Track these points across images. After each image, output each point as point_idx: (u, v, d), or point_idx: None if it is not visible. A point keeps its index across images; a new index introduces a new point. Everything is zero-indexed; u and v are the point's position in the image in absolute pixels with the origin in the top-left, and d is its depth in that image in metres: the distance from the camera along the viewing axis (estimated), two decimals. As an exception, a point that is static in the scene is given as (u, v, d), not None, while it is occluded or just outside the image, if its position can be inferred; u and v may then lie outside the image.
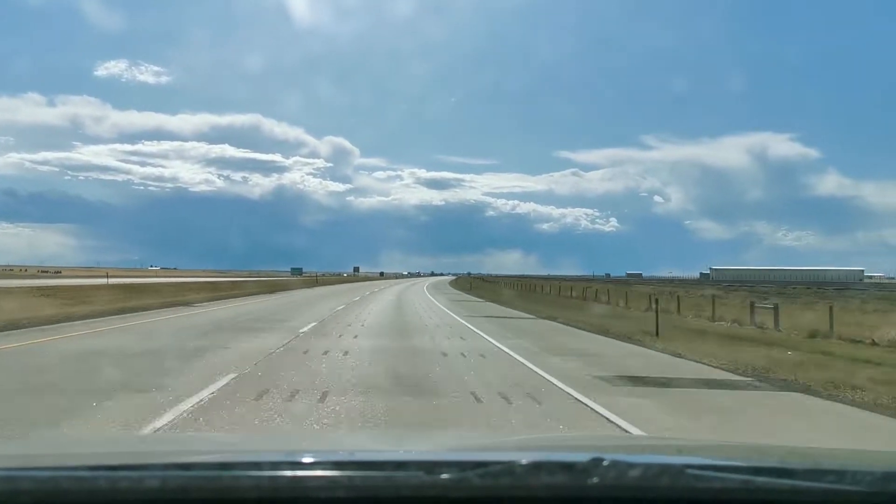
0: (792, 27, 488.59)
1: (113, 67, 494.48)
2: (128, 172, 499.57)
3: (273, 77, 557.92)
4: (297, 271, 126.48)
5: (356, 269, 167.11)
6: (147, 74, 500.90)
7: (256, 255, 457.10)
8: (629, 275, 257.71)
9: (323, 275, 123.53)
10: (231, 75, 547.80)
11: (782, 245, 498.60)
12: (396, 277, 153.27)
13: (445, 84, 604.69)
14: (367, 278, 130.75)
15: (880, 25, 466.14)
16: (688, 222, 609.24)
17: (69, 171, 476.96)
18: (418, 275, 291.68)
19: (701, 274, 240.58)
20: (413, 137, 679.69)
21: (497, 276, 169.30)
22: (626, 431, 6.63)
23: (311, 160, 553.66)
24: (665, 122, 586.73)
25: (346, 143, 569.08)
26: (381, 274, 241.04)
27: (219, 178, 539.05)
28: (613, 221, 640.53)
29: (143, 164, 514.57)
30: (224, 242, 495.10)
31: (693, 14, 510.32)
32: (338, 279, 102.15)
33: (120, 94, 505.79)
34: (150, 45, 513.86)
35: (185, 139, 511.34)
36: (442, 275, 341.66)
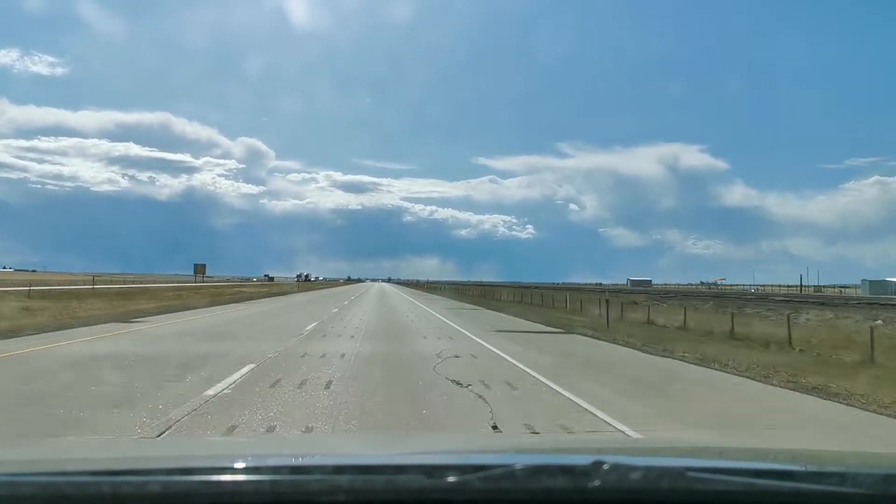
0: (702, 43, 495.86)
1: (4, 57, 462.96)
2: (24, 170, 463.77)
3: (185, 75, 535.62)
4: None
5: (199, 269, 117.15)
6: (41, 65, 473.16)
7: (162, 259, 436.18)
8: (633, 282, 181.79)
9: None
10: (138, 71, 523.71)
11: (692, 253, 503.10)
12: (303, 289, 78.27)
13: (363, 86, 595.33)
14: (218, 291, 56.63)
15: (785, 43, 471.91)
16: (602, 230, 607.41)
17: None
18: (307, 278, 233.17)
19: (803, 285, 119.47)
20: (330, 140, 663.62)
21: (478, 284, 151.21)
22: None
23: (223, 161, 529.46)
24: (580, 130, 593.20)
25: (261, 145, 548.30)
26: (269, 277, 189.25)
27: (123, 177, 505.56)
28: (530, 228, 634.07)
29: (40, 162, 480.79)
30: (127, 244, 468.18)
31: (612, 25, 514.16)
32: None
33: (16, 88, 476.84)
34: (44, 34, 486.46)
35: (87, 136, 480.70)
36: (361, 280, 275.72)
